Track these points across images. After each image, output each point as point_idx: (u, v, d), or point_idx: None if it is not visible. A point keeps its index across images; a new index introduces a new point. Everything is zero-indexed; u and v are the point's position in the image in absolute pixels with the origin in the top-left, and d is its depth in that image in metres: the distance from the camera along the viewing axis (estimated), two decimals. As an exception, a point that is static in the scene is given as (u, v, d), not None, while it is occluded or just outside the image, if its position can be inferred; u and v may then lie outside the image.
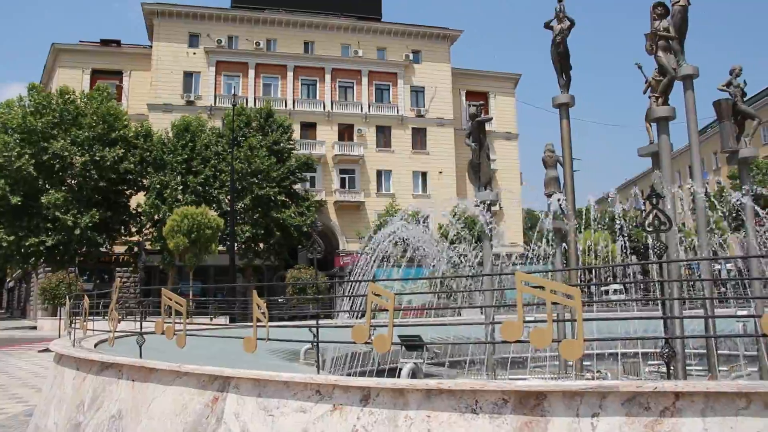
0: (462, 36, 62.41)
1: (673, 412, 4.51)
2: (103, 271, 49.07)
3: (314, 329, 6.94)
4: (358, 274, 15.13)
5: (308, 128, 56.51)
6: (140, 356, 7.94)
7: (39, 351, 23.58)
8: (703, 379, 11.04)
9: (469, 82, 62.13)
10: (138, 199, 45.55)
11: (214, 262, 43.69)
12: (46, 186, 41.34)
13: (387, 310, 5.62)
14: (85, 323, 10.72)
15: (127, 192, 45.52)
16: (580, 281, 15.46)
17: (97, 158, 41.23)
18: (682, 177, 43.70)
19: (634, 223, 21.03)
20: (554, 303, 5.01)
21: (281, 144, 46.92)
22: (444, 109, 59.65)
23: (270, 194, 44.49)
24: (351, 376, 10.83)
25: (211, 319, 28.30)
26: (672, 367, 10.09)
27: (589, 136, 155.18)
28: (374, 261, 13.45)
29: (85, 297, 10.84)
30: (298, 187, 48.90)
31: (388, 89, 59.36)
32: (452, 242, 14.64)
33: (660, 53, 12.30)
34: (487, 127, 14.53)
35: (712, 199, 13.88)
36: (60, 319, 29.70)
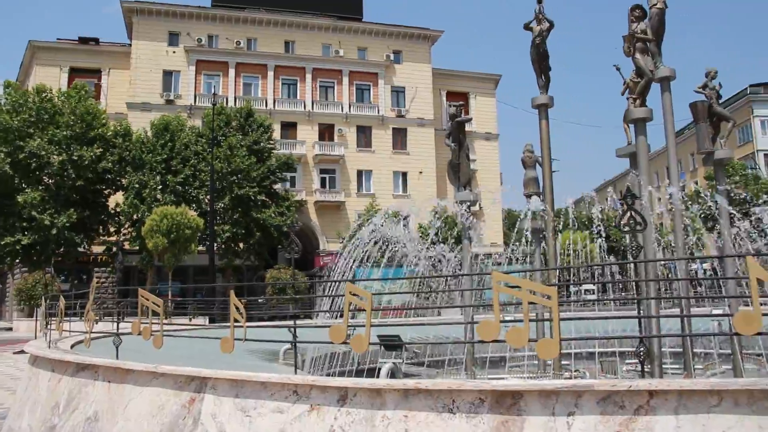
0: (443, 36, 62.61)
1: (647, 411, 4.56)
2: (81, 271, 48.57)
3: (293, 329, 6.93)
4: (337, 274, 15.11)
5: (288, 128, 56.33)
6: (117, 357, 7.88)
7: (14, 353, 23.26)
8: (679, 377, 11.17)
9: (450, 82, 62.28)
10: (117, 199, 45.12)
11: (193, 262, 43.42)
12: (23, 185, 40.84)
13: (365, 310, 5.63)
14: (61, 324, 10.60)
15: (106, 191, 45.07)
16: (559, 281, 15.57)
17: (75, 157, 40.77)
18: (660, 177, 44.25)
19: (612, 224, 21.22)
20: (531, 303, 5.05)
21: (261, 143, 46.72)
22: (424, 109, 59.75)
23: (250, 194, 44.29)
24: (330, 376, 10.82)
25: (190, 319, 28.13)
26: (648, 366, 10.20)
27: (569, 137, 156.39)
28: (354, 261, 13.44)
29: (62, 298, 10.72)
30: (278, 186, 48.72)
31: (369, 89, 59.34)
32: (433, 242, 14.68)
33: (637, 55, 12.41)
34: (468, 128, 14.59)
35: (689, 199, 14.06)
36: (36, 320, 29.34)
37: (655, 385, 4.62)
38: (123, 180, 44.34)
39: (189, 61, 54.98)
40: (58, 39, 56.32)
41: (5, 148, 39.54)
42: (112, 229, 45.21)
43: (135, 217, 43.16)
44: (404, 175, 58.34)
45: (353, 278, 13.88)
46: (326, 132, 57.35)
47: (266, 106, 55.32)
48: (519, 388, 4.85)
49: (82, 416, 7.42)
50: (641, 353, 6.24)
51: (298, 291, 39.77)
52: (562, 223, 14.18)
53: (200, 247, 41.73)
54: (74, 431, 7.41)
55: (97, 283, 34.35)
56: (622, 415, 4.59)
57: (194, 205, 43.43)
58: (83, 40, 56.60)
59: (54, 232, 39.84)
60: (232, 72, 55.77)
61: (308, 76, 57.45)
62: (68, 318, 11.28)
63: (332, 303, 13.18)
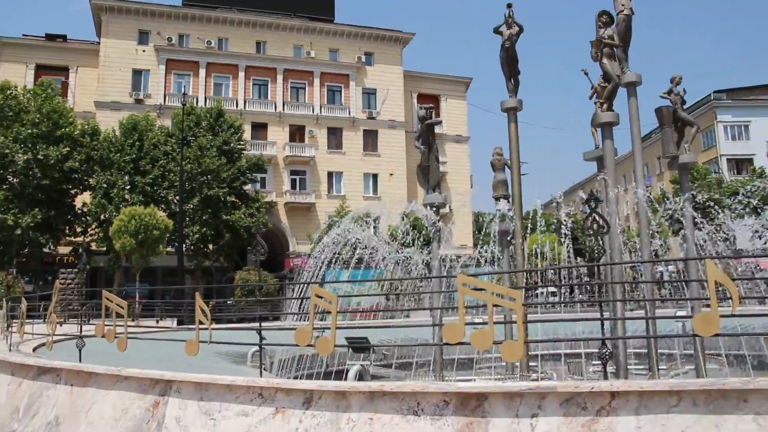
0: (414, 39, 62.72)
1: (608, 411, 4.62)
2: (46, 272, 47.64)
3: (260, 332, 6.90)
4: (307, 276, 15.07)
5: (259, 129, 56.00)
6: (80, 360, 7.76)
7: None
8: (643, 378, 11.33)
9: (421, 85, 62.46)
10: (84, 199, 44.42)
11: (162, 263, 42.92)
12: (-15, 184, 40.05)
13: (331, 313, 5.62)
14: (23, 327, 10.42)
15: (73, 191, 44.31)
16: (526, 283, 15.70)
17: (41, 156, 40.06)
18: (628, 181, 44.84)
19: (579, 226, 21.46)
20: (496, 305, 5.08)
21: (231, 144, 46.37)
22: (395, 111, 59.84)
23: (220, 195, 43.93)
24: (298, 378, 10.78)
25: (158, 321, 27.81)
26: (612, 367, 10.33)
27: (539, 139, 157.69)
28: (323, 262, 13.43)
29: (23, 299, 10.54)
30: (248, 187, 48.39)
31: (340, 91, 59.26)
32: (403, 244, 14.73)
33: (605, 60, 12.61)
34: (438, 130, 14.67)
35: (654, 202, 14.27)
36: (-1, 322, 28.75)
37: (617, 387, 4.68)
38: (90, 180, 43.66)
39: (159, 60, 54.38)
40: (24, 35, 55.37)
41: (-32, 146, 38.75)
42: (78, 230, 44.51)
43: (102, 217, 42.52)
44: (375, 176, 58.36)
45: (322, 279, 13.87)
46: (297, 133, 57.13)
47: (237, 106, 54.93)
48: (483, 390, 4.88)
49: (42, 421, 7.29)
50: (603, 355, 6.33)
51: (267, 293, 39.53)
52: (530, 225, 14.31)
53: (169, 248, 41.25)
54: (35, 436, 7.28)
55: (62, 284, 33.77)
56: (584, 416, 4.65)
57: (163, 206, 42.91)
58: (50, 37, 55.67)
59: (18, 232, 39.09)
60: (202, 72, 55.29)
61: (279, 77, 57.19)
62: (31, 320, 11.10)
63: (301, 305, 13.15)
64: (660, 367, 11.73)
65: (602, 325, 6.29)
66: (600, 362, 6.80)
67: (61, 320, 10.50)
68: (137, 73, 53.76)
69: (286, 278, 48.56)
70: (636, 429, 4.51)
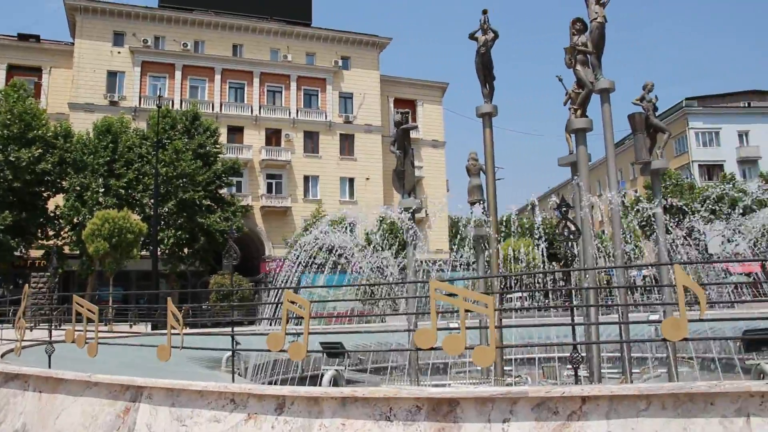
0: (391, 44, 62.82)
1: (579, 416, 4.66)
2: (17, 276, 46.90)
3: (234, 337, 6.85)
4: (282, 281, 15.01)
5: (235, 132, 55.67)
6: (49, 366, 7.64)
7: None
8: (617, 381, 11.43)
9: (398, 89, 62.57)
10: (56, 202, 43.79)
11: (136, 267, 42.41)
12: (-46, 186, 39.32)
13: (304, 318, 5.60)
14: (-9, 332, 10.25)
15: (45, 194, 43.62)
16: (501, 288, 15.78)
17: (12, 158, 39.43)
18: (602, 186, 45.26)
19: (553, 231, 21.63)
20: (468, 311, 5.10)
21: (207, 147, 46.03)
22: (372, 115, 59.87)
23: (195, 198, 43.57)
24: (272, 383, 10.72)
25: (131, 326, 27.50)
26: (586, 371, 10.41)
27: (515, 144, 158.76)
28: (299, 267, 13.39)
29: (-8, 304, 10.36)
30: (224, 191, 48.04)
31: (317, 95, 59.16)
32: (378, 249, 14.73)
33: (578, 67, 12.74)
34: (415, 135, 14.71)
35: (629, 207, 14.43)
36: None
37: (587, 392, 4.72)
38: (63, 182, 43.04)
39: (134, 62, 53.84)
40: (-5, 35, 54.57)
41: (-64, 147, 38.03)
42: (51, 233, 43.87)
43: (75, 220, 41.96)
44: (351, 181, 58.31)
45: (298, 284, 13.82)
46: (273, 137, 56.91)
47: (213, 109, 54.57)
48: (455, 396, 4.90)
49: (9, 428, 7.17)
50: (575, 359, 6.39)
51: (242, 297, 39.29)
52: (504, 230, 14.39)
53: (143, 252, 40.80)
54: (2, 443, 7.16)
55: (33, 288, 33.24)
56: (555, 420, 4.68)
57: (137, 209, 42.46)
58: (23, 37, 54.83)
59: (-12, 235, 38.45)
60: (178, 74, 54.85)
61: (256, 81, 56.94)
62: (0, 325, 10.91)
63: (275, 310, 13.09)
64: (633, 371, 11.86)
65: (573, 330, 6.34)
66: (572, 367, 6.86)
67: (31, 325, 10.34)
68: (112, 75, 53.15)
69: (262, 282, 48.30)
70: (606, 433, 4.56)
